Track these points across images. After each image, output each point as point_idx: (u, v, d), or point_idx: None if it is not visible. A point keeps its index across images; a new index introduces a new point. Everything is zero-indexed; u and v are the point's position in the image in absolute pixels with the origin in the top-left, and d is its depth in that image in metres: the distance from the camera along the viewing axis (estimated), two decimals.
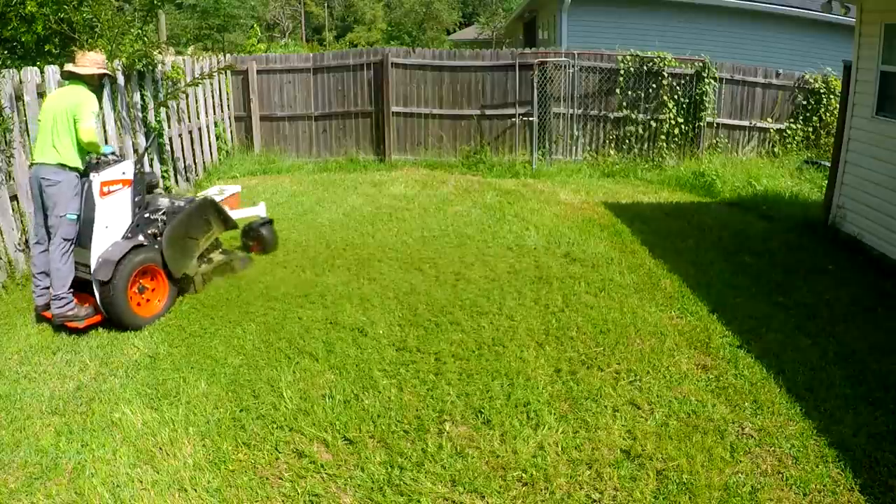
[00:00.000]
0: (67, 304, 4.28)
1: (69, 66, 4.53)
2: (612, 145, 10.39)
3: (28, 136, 5.52)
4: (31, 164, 4.49)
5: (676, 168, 9.86)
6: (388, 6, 47.07)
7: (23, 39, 6.52)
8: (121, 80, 6.99)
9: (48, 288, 4.39)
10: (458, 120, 10.46)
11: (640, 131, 10.25)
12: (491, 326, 4.34)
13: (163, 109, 7.84)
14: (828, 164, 7.99)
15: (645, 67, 9.99)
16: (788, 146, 10.31)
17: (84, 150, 4.41)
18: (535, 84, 10.01)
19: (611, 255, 5.85)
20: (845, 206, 6.46)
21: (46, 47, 6.76)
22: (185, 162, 8.56)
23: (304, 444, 3.10)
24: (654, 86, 10.06)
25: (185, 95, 8.37)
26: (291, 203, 7.80)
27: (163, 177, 7.89)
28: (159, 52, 7.93)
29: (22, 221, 5.42)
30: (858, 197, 6.24)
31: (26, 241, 5.45)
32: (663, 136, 10.19)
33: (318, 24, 49.42)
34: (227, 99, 10.23)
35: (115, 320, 4.31)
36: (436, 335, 4.21)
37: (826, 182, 7.24)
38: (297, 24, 46.54)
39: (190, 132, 8.75)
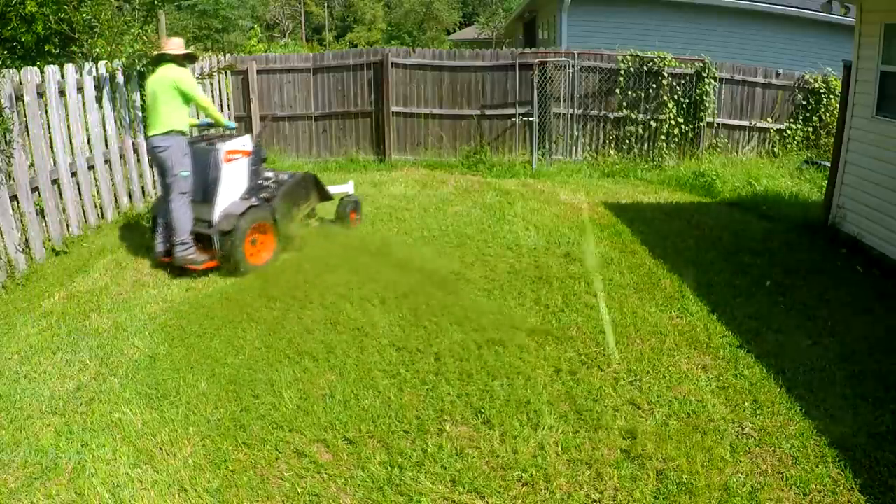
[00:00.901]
0: (188, 248, 5.15)
1: (159, 51, 5.46)
2: (612, 145, 10.39)
3: (28, 136, 5.53)
4: (146, 138, 5.44)
5: (676, 168, 9.86)
6: (388, 6, 47.08)
7: (23, 39, 6.53)
8: (120, 79, 6.99)
9: (169, 237, 5.24)
10: (458, 120, 10.46)
11: (640, 131, 10.25)
12: (491, 326, 4.34)
13: None
14: (828, 164, 7.99)
15: (645, 67, 9.99)
16: (788, 146, 10.31)
17: (185, 113, 5.29)
18: (535, 84, 10.02)
19: (611, 255, 5.85)
20: (845, 206, 6.46)
21: (46, 47, 6.76)
22: None
23: (304, 444, 3.10)
24: (654, 86, 10.06)
25: None
26: None
27: None
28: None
29: (22, 221, 5.42)
30: (858, 197, 6.24)
31: (26, 240, 5.45)
32: (663, 136, 10.19)
33: (318, 24, 49.44)
34: (227, 99, 10.23)
35: (231, 266, 5.18)
36: (436, 335, 4.21)
37: (826, 182, 7.24)
38: (297, 24, 46.55)
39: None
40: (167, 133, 5.11)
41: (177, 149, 5.11)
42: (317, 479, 2.87)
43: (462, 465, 2.94)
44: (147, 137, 5.34)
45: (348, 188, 6.81)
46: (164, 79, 5.15)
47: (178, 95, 5.13)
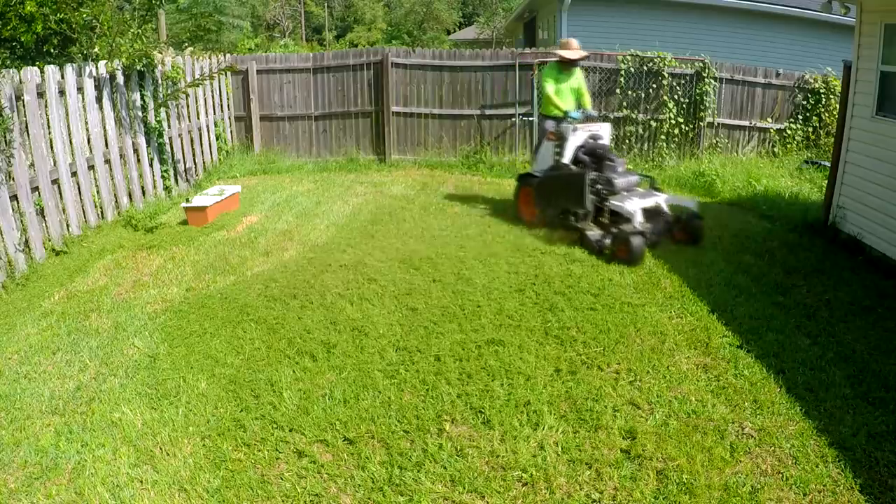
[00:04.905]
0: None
1: (560, 52, 7.01)
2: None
3: (28, 136, 5.52)
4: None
5: (676, 168, 9.85)
6: (388, 6, 47.08)
7: (22, 39, 6.52)
8: (120, 80, 6.99)
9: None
10: (458, 120, 10.46)
11: (641, 131, 10.25)
12: (491, 326, 4.34)
13: (162, 109, 7.85)
14: (828, 164, 7.99)
15: (645, 67, 9.99)
16: (788, 146, 10.31)
17: (551, 102, 6.91)
18: (535, 84, 10.01)
19: None
20: (845, 206, 6.45)
21: (46, 47, 6.75)
22: (185, 163, 8.56)
23: (304, 444, 3.10)
24: (654, 86, 10.06)
25: (185, 96, 8.37)
26: (291, 203, 7.79)
27: (162, 177, 7.89)
28: (159, 52, 7.93)
29: (22, 221, 5.42)
30: (858, 197, 6.24)
31: (26, 240, 5.45)
32: (663, 136, 10.19)
33: (318, 24, 49.42)
34: (227, 99, 10.23)
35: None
36: (436, 335, 4.21)
37: (826, 182, 7.23)
38: (297, 24, 46.53)
39: (190, 132, 8.75)
40: (540, 114, 7.60)
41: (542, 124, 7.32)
42: (317, 479, 2.87)
43: (462, 465, 2.94)
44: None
45: (690, 203, 6.19)
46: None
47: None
